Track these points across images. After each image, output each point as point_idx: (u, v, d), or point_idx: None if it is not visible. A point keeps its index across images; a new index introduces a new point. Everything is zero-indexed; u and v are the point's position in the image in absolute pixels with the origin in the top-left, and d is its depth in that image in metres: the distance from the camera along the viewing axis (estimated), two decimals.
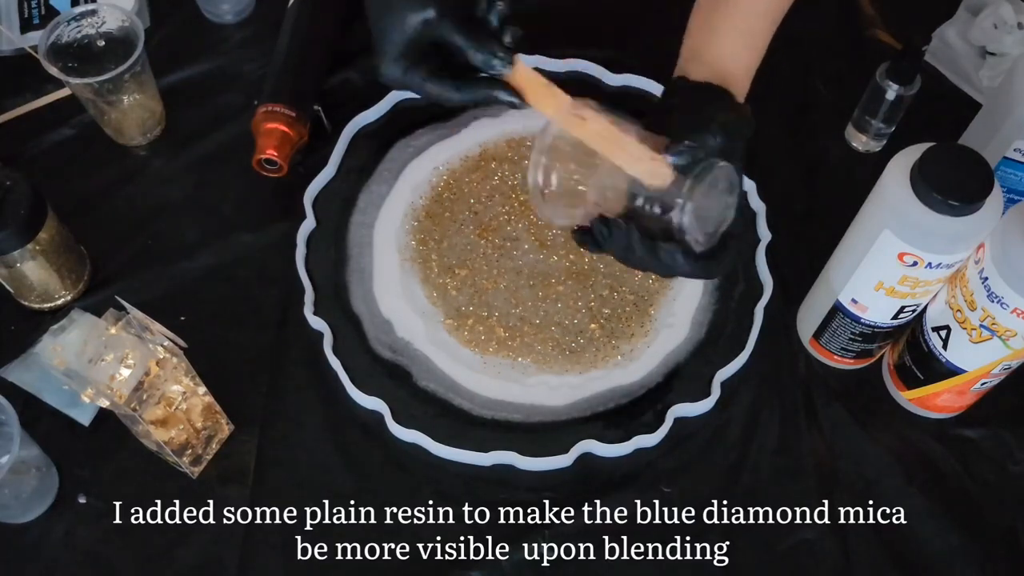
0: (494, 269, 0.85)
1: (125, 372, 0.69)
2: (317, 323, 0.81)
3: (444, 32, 0.61)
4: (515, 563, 0.73)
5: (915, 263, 0.68)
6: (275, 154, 0.86)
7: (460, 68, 0.63)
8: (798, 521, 0.75)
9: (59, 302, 0.83)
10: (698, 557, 0.74)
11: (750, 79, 0.71)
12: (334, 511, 0.75)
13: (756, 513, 0.76)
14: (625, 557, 0.74)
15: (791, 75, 0.98)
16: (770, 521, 0.75)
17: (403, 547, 0.74)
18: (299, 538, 0.74)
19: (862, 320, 0.76)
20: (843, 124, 0.94)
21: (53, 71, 0.84)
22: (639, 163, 0.62)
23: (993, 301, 0.67)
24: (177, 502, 0.75)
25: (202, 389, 0.74)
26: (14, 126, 0.93)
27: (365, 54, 0.97)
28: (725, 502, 0.76)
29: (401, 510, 0.75)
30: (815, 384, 0.81)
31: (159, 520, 0.74)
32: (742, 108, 0.68)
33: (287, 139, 0.87)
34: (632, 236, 0.63)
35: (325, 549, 0.74)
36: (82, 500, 0.75)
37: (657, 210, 0.62)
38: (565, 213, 0.67)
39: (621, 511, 0.75)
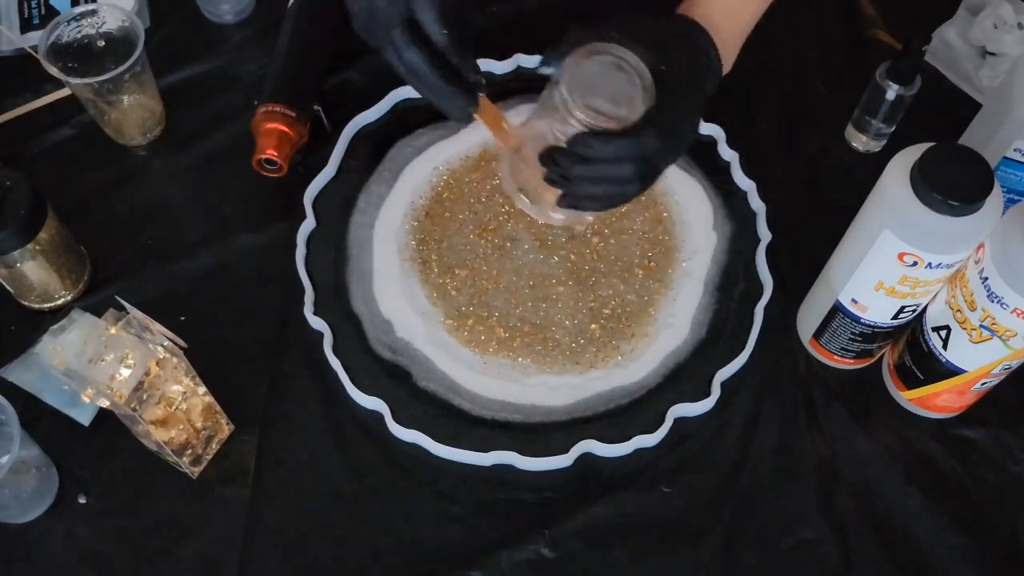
0: (494, 269, 0.85)
1: (125, 372, 0.69)
2: (317, 323, 0.81)
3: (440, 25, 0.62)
4: (515, 563, 0.73)
5: (915, 263, 0.68)
6: (275, 154, 0.86)
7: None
8: (798, 521, 0.75)
9: (59, 302, 0.83)
10: (698, 557, 0.74)
11: (732, 25, 0.71)
12: (334, 511, 0.75)
13: (756, 513, 0.76)
14: (625, 557, 0.74)
15: (791, 75, 0.98)
16: (770, 521, 0.75)
17: (403, 547, 0.74)
18: (299, 538, 0.74)
19: (862, 320, 0.76)
20: (843, 124, 0.94)
21: (53, 71, 0.84)
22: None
23: (993, 301, 0.67)
24: (177, 502, 0.75)
25: (202, 389, 0.74)
26: (14, 126, 0.93)
27: (365, 54, 0.97)
28: (725, 502, 0.76)
29: (401, 510, 0.75)
30: (815, 384, 0.81)
31: (159, 520, 0.74)
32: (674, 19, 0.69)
33: (287, 139, 0.87)
34: (557, 158, 0.63)
35: (325, 549, 0.74)
36: (82, 500, 0.75)
37: (559, 126, 0.64)
38: (552, 206, 0.68)
39: (621, 511, 0.75)
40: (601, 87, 0.62)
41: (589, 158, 0.62)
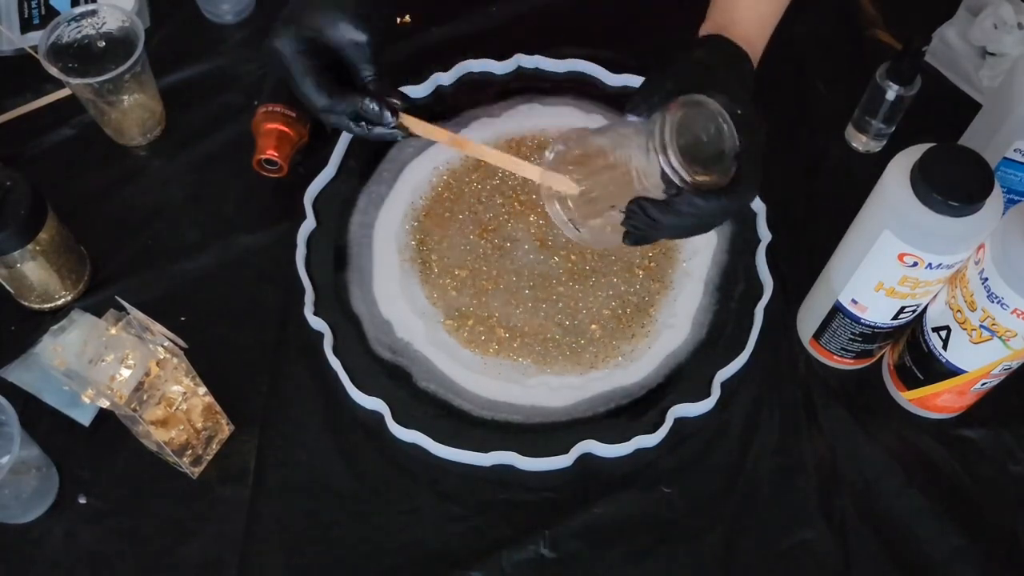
0: (494, 270, 0.85)
1: (125, 372, 0.69)
2: (317, 323, 0.81)
3: (356, 51, 0.70)
4: (515, 563, 0.73)
5: (915, 264, 0.68)
6: (275, 154, 0.86)
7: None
8: (798, 521, 0.75)
9: (59, 302, 0.83)
10: (698, 557, 0.74)
11: (764, 40, 0.73)
12: (334, 511, 0.75)
13: (756, 513, 0.76)
14: (625, 557, 0.74)
15: (791, 75, 0.98)
16: (770, 521, 0.75)
17: (403, 547, 0.74)
18: (299, 538, 0.74)
19: (862, 320, 0.76)
20: (843, 124, 0.94)
21: (53, 71, 0.84)
22: (539, 178, 0.68)
23: (993, 301, 0.67)
24: (177, 502, 0.75)
25: (202, 389, 0.74)
26: (14, 126, 0.93)
27: None
28: (725, 502, 0.76)
29: (401, 510, 0.75)
30: (815, 384, 0.81)
31: (159, 520, 0.74)
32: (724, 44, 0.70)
33: (287, 139, 0.87)
34: (649, 211, 0.64)
35: (325, 549, 0.74)
36: (82, 500, 0.75)
37: (651, 176, 0.64)
38: (605, 234, 0.68)
39: (621, 511, 0.75)
40: (695, 140, 0.63)
41: (690, 214, 0.63)
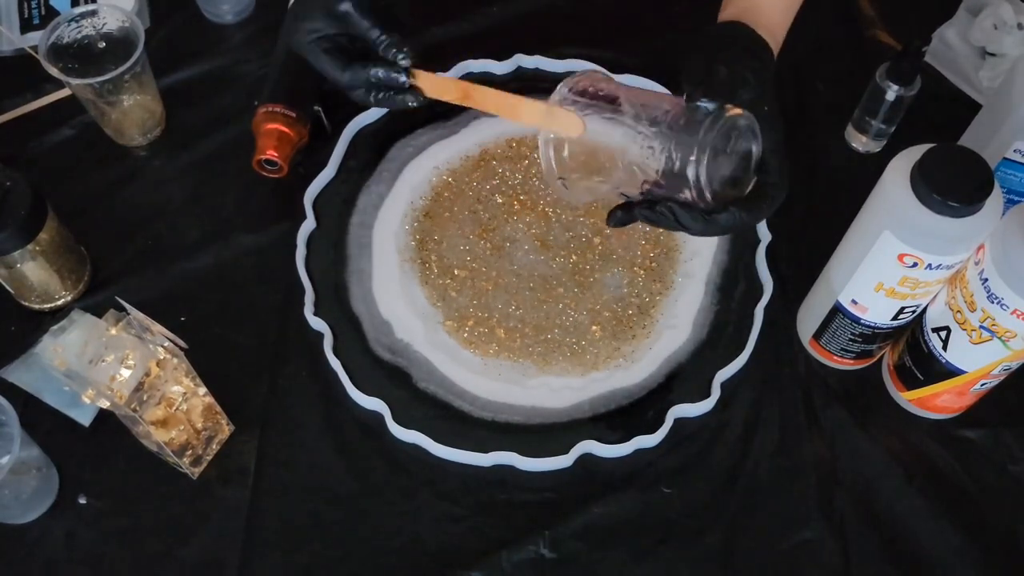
0: (494, 270, 0.85)
1: (125, 373, 0.69)
2: (317, 323, 0.81)
3: (355, 19, 0.68)
4: (515, 563, 0.73)
5: (915, 264, 0.68)
6: (275, 154, 0.86)
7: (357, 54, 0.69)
8: (798, 521, 0.75)
9: (59, 302, 0.83)
10: (698, 557, 0.74)
11: (786, 27, 0.71)
12: (334, 511, 0.75)
13: (756, 513, 0.76)
14: (625, 557, 0.74)
15: (791, 75, 0.98)
16: (770, 521, 0.75)
17: (403, 547, 0.74)
18: (299, 538, 0.74)
19: (862, 321, 0.76)
20: (843, 124, 0.94)
21: (53, 71, 0.84)
22: (542, 117, 0.65)
23: (993, 302, 0.67)
24: (177, 502, 0.75)
25: (202, 390, 0.74)
26: (14, 126, 0.93)
27: None
28: (725, 502, 0.76)
29: (401, 510, 0.75)
30: (815, 384, 0.81)
31: (159, 520, 0.74)
32: (760, 49, 0.67)
33: (287, 139, 0.87)
34: (680, 217, 0.63)
35: (325, 549, 0.74)
36: (82, 500, 0.75)
37: (650, 167, 0.63)
38: (586, 192, 0.67)
39: (621, 511, 0.75)
40: (726, 165, 0.63)
41: (719, 227, 0.63)
